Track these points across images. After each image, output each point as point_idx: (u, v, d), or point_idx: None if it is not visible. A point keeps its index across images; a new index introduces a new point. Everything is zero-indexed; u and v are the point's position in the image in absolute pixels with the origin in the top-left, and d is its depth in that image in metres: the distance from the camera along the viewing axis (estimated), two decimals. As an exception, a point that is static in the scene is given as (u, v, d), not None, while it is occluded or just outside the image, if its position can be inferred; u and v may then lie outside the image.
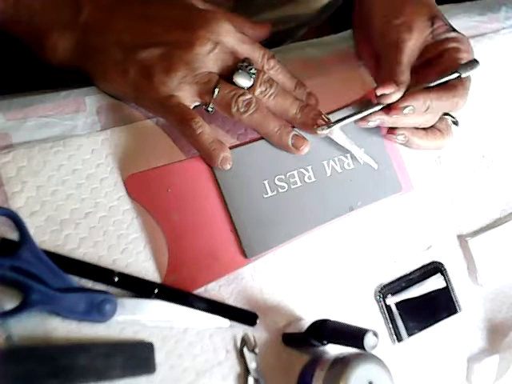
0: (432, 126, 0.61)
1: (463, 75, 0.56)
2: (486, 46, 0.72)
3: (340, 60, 0.65)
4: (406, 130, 0.58)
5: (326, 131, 0.55)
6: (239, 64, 0.52)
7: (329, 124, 0.55)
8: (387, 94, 0.55)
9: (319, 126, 0.55)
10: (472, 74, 0.57)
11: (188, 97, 0.52)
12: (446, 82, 0.56)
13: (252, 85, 0.53)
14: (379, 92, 0.55)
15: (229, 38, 0.53)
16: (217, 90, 0.51)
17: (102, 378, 0.48)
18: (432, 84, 0.56)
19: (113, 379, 0.48)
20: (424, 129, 0.60)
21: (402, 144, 0.60)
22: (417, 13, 0.59)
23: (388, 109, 0.55)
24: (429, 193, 0.65)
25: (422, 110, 0.55)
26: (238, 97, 0.52)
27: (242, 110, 0.52)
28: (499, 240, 0.66)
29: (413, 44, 0.58)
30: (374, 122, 0.56)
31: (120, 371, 0.48)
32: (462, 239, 0.66)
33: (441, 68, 0.57)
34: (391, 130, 0.59)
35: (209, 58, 0.52)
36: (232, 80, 0.52)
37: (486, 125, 0.70)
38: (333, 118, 0.56)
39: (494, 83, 0.72)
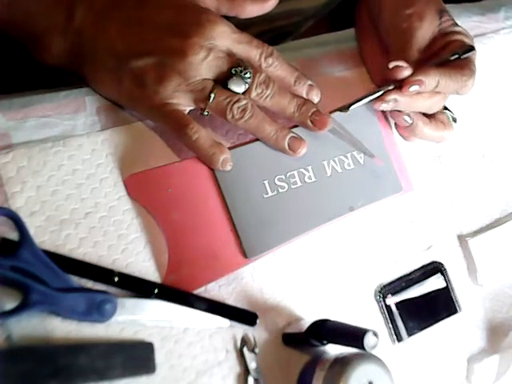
0: (435, 118, 0.62)
1: (462, 57, 0.59)
2: (486, 46, 0.72)
3: (338, 60, 0.65)
4: (412, 113, 0.60)
5: (345, 112, 0.57)
6: (233, 69, 0.51)
7: (346, 106, 0.57)
8: (399, 67, 0.56)
9: (336, 111, 0.57)
10: (479, 70, 0.60)
11: (183, 104, 0.52)
12: (450, 63, 0.59)
13: (248, 88, 0.52)
14: (392, 64, 0.57)
15: (223, 40, 0.52)
16: (212, 97, 0.51)
17: (102, 378, 0.47)
18: (434, 63, 0.58)
19: (113, 379, 0.48)
20: (428, 118, 0.61)
21: (407, 128, 0.61)
22: (427, 4, 0.61)
23: (400, 86, 0.56)
24: (429, 193, 0.65)
25: (432, 86, 0.56)
26: (233, 104, 0.51)
27: (237, 116, 0.52)
28: (499, 240, 0.66)
29: (423, 33, 0.60)
30: (389, 102, 0.57)
31: (120, 371, 0.48)
32: (462, 239, 0.66)
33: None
34: (397, 112, 0.60)
35: (202, 66, 0.51)
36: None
37: (486, 125, 0.70)
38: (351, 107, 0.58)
39: (494, 83, 0.72)
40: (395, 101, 0.57)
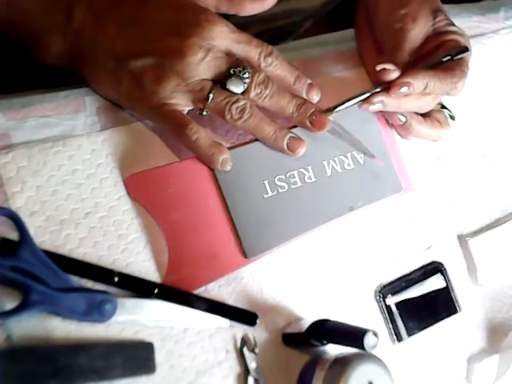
0: (431, 116, 0.62)
1: (454, 58, 0.59)
2: (486, 46, 0.72)
3: (338, 60, 0.65)
4: (406, 113, 0.60)
5: (329, 116, 0.56)
6: (232, 69, 0.51)
7: (331, 108, 0.56)
8: (387, 70, 0.56)
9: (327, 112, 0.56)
10: (472, 73, 0.60)
11: (182, 104, 0.52)
12: (443, 64, 0.58)
13: (247, 88, 0.52)
14: (379, 67, 0.56)
15: (222, 40, 0.51)
16: (211, 97, 0.51)
17: (102, 378, 0.47)
18: (427, 65, 0.58)
19: (113, 379, 0.48)
20: (424, 116, 0.61)
21: (402, 127, 0.61)
22: (422, 5, 0.61)
23: (388, 88, 0.56)
24: (429, 193, 0.65)
25: (420, 88, 0.56)
26: (232, 104, 0.51)
27: (235, 116, 0.52)
28: (499, 240, 0.66)
29: (415, 34, 0.60)
30: (376, 104, 0.57)
31: (120, 371, 0.48)
32: (462, 239, 0.66)
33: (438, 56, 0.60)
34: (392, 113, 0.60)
35: (201, 67, 0.51)
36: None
37: (486, 125, 0.70)
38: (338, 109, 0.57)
39: (494, 83, 0.72)
40: (382, 102, 0.57)
